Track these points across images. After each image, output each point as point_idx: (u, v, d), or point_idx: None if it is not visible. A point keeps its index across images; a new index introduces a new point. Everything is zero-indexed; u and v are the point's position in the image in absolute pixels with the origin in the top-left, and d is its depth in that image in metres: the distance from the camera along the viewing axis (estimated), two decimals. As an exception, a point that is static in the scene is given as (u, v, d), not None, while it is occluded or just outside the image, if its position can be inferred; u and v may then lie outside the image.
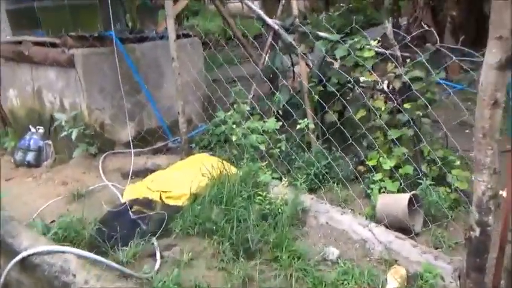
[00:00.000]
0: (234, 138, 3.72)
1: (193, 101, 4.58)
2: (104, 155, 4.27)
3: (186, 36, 4.91)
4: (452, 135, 3.21)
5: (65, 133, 4.15)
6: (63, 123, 4.12)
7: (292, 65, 4.32)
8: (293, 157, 3.59)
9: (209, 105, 4.65)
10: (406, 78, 3.11)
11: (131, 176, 4.01)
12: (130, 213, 3.10)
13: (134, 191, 3.49)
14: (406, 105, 3.13)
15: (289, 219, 2.93)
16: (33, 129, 4.74)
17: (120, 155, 4.35)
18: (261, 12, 4.12)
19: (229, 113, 3.95)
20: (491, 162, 1.91)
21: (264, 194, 3.07)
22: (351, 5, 9.81)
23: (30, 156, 4.63)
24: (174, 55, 3.89)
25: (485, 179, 1.93)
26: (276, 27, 3.90)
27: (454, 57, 3.05)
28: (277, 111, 4.04)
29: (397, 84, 3.17)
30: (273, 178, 3.42)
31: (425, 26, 3.85)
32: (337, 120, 3.55)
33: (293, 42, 3.80)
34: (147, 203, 3.26)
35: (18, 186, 3.98)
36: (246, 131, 3.69)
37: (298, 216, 2.99)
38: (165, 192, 3.36)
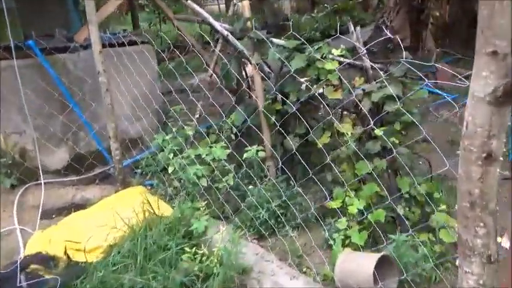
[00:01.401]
0: (170, 169, 3.02)
1: (144, 117, 3.87)
2: (24, 187, 3.56)
3: (134, 43, 4.20)
4: (440, 157, 2.51)
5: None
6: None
7: (247, 76, 3.61)
8: (242, 193, 2.89)
9: (161, 123, 3.94)
10: (377, 96, 2.41)
11: (53, 215, 3.32)
12: (20, 277, 2.39)
13: (41, 240, 2.77)
14: (379, 131, 2.42)
15: (223, 285, 2.23)
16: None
17: (46, 186, 3.63)
18: (207, 15, 3.42)
19: (168, 137, 3.24)
20: (484, 245, 1.22)
21: (194, 249, 2.36)
22: (336, 6, 9.08)
23: None
24: (100, 68, 3.18)
25: (475, 270, 1.24)
26: (225, 32, 3.20)
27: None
28: (233, 133, 3.33)
29: (367, 104, 2.46)
30: (214, 221, 2.72)
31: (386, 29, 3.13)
32: (293, 147, 2.84)
33: (245, 51, 3.10)
34: (48, 260, 2.55)
35: None
36: (185, 160, 2.98)
37: (235, 280, 2.28)
38: (76, 243, 2.66)
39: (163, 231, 2.51)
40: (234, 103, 3.39)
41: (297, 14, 10.23)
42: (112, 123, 3.29)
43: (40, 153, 3.65)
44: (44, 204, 3.40)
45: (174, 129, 3.19)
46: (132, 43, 4.03)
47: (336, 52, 2.67)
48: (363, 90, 2.50)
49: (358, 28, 2.76)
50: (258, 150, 2.84)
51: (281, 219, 2.69)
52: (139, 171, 3.78)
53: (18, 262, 2.49)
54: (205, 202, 2.78)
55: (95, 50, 3.14)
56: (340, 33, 2.36)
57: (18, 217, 3.25)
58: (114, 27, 7.74)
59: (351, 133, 2.53)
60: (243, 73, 3.69)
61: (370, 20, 8.35)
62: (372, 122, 2.26)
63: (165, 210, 2.81)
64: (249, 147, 2.89)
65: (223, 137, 3.09)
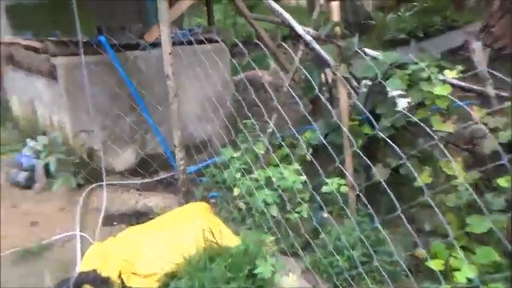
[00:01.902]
0: (235, 192, 2.68)
1: (215, 119, 3.54)
2: (89, 188, 3.44)
3: (209, 41, 3.90)
4: None
5: (42, 162, 3.40)
6: (39, 148, 3.35)
7: (330, 90, 3.13)
8: (317, 228, 2.46)
9: (234, 128, 3.61)
10: (506, 136, 1.84)
11: (114, 222, 3.15)
12: (72, 300, 2.21)
13: (98, 254, 2.58)
14: (504, 181, 1.86)
15: None
16: (30, 143, 4.05)
17: (110, 188, 3.49)
18: (288, 17, 2.98)
19: (237, 154, 2.89)
20: None
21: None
22: (425, 4, 8.07)
23: (21, 177, 3.93)
24: (169, 71, 2.90)
25: None
26: (308, 37, 2.75)
27: None
28: (307, 152, 2.90)
29: (491, 144, 1.91)
30: (282, 259, 2.34)
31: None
32: (381, 178, 2.34)
33: (329, 61, 2.64)
34: (102, 283, 2.35)
35: None
36: (254, 183, 2.61)
37: None
38: (131, 265, 2.42)
39: (225, 268, 2.18)
40: (309, 116, 2.94)
41: (381, 12, 9.32)
42: (178, 130, 3.01)
43: (107, 154, 3.51)
44: (107, 208, 3.24)
45: (242, 146, 2.82)
46: (205, 41, 3.73)
47: (449, 74, 2.11)
48: (485, 125, 1.93)
49: (479, 44, 2.17)
50: (340, 184, 2.39)
51: (361, 268, 2.23)
52: (204, 179, 3.52)
53: (71, 281, 2.30)
54: (274, 237, 2.39)
55: (165, 52, 2.86)
56: (429, 36, 1.82)
57: (81, 220, 3.12)
58: (190, 20, 7.57)
59: (463, 177, 1.99)
60: (323, 83, 3.23)
61: (465, 22, 7.29)
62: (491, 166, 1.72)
63: (229, 239, 2.47)
64: (327, 179, 2.43)
65: (292, 156, 2.66)
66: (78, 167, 3.41)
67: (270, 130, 3.10)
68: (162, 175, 3.67)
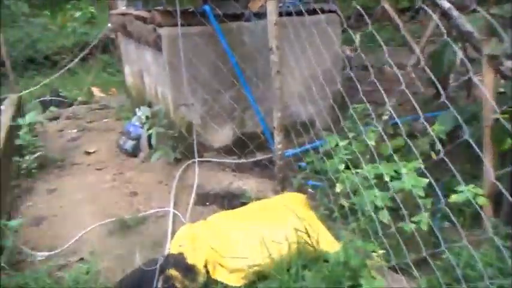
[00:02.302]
0: (338, 188, 2.28)
1: (321, 99, 3.12)
2: (186, 163, 3.36)
3: (321, 11, 3.45)
4: None
5: (145, 133, 3.40)
6: (143, 119, 3.34)
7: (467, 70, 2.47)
8: (437, 243, 1.96)
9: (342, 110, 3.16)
10: None
11: (207, 202, 3.01)
12: (157, 282, 2.10)
13: (187, 236, 2.45)
14: None
15: None
16: (138, 113, 4.15)
17: (206, 166, 3.37)
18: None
19: (344, 142, 2.46)
20: None
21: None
22: None
23: (128, 145, 4.07)
24: (274, 44, 2.56)
25: None
26: (447, 4, 2.15)
27: None
28: (431, 148, 2.36)
29: None
30: (390, 277, 1.91)
31: None
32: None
33: (474, 34, 2.03)
34: (188, 270, 2.20)
35: (88, 188, 3.37)
36: (361, 180, 2.19)
37: None
38: (219, 256, 2.23)
39: (320, 279, 1.84)
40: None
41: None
42: (278, 112, 2.70)
43: (205, 130, 3.38)
44: (202, 186, 3.12)
45: (351, 134, 2.39)
46: (318, 11, 3.29)
47: None
48: None
49: None
50: (476, 194, 1.84)
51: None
52: (303, 165, 3.19)
53: (159, 263, 2.20)
54: (382, 248, 1.96)
55: (270, 22, 2.52)
56: None
57: (176, 196, 3.05)
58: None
59: None
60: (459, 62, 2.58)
61: None
62: None
63: (327, 243, 2.12)
64: (459, 185, 1.89)
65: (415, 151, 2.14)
66: (177, 141, 3.34)
67: (386, 117, 2.59)
68: (259, 156, 3.42)
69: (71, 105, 6.04)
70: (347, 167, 2.32)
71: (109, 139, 4.62)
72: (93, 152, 4.25)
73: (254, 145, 3.38)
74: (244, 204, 2.89)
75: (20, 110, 4.94)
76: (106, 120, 5.44)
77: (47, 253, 2.44)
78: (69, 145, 4.54)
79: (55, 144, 4.59)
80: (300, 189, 2.92)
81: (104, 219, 2.78)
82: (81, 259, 2.38)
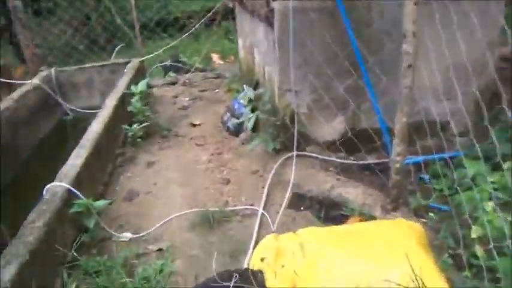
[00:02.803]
0: (474, 232, 1.66)
1: (463, 96, 2.36)
2: (285, 156, 2.98)
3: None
4: None
5: (248, 115, 3.09)
6: (244, 102, 3.02)
7: None
8: None
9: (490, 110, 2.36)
10: None
11: (301, 207, 2.61)
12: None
13: (271, 249, 2.11)
14: None
15: None
16: (246, 89, 3.89)
17: (307, 162, 2.94)
18: None
19: (491, 177, 1.78)
20: None
21: None
22: None
23: (231, 123, 3.87)
24: (409, 30, 1.94)
25: None
26: None
27: None
28: None
29: None
30: None
31: None
32: None
33: None
34: (263, 296, 1.87)
35: (184, 166, 3.24)
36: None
37: None
38: (303, 284, 1.84)
39: None
40: None
41: None
42: (404, 116, 2.10)
43: (311, 121, 2.94)
44: (298, 185, 2.73)
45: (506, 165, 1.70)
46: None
47: None
48: None
49: None
50: None
51: None
52: (425, 178, 2.57)
53: (233, 280, 1.92)
54: None
55: (408, 2, 1.90)
56: None
57: (268, 192, 2.72)
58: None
59: None
60: None
61: None
62: None
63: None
64: None
65: None
66: (279, 130, 2.97)
67: None
68: (370, 160, 2.86)
69: (188, 71, 6.11)
70: (494, 206, 1.67)
71: (216, 112, 4.50)
72: (198, 125, 4.16)
73: (366, 145, 2.82)
74: (344, 217, 2.43)
75: (142, 74, 5.12)
76: (217, 90, 5.35)
77: (130, 235, 2.36)
78: (178, 114, 4.55)
79: (167, 111, 4.65)
80: (418, 212, 2.33)
81: (191, 206, 2.61)
82: (160, 250, 2.24)
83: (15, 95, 4.03)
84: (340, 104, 2.87)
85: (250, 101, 3.02)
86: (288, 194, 2.61)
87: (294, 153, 2.83)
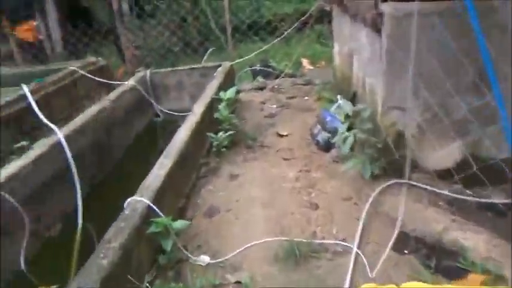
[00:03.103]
0: None
1: None
2: (386, 184, 2.55)
3: None
4: None
5: (342, 130, 2.72)
6: (342, 111, 2.66)
7: None
8: None
9: None
10: None
11: (404, 251, 2.17)
12: None
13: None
14: None
15: None
16: (340, 100, 3.52)
17: (412, 193, 2.47)
18: None
19: None
20: None
21: None
22: None
23: (321, 137, 3.52)
24: None
25: None
26: None
27: None
28: None
29: None
30: None
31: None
32: None
33: None
34: None
35: (269, 183, 2.96)
36: None
37: None
38: None
39: None
40: None
41: None
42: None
43: (420, 143, 2.48)
44: (403, 224, 2.29)
45: None
46: None
47: None
48: None
49: None
50: None
51: None
52: None
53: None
54: None
55: None
56: None
57: (368, 226, 2.33)
58: None
59: None
60: None
61: None
62: None
63: None
64: None
65: None
66: (379, 153, 2.55)
67: None
68: (495, 197, 2.31)
69: (277, 76, 5.89)
70: None
71: (304, 121, 4.19)
72: (285, 135, 3.89)
73: (490, 179, 2.28)
74: (462, 271, 1.95)
75: (231, 78, 5.01)
76: (307, 98, 5.03)
77: (207, 259, 2.16)
78: (265, 122, 4.33)
79: (253, 118, 4.46)
80: None
81: (274, 233, 2.33)
82: (238, 282, 2.00)
83: (112, 95, 4.15)
84: (460, 125, 2.37)
85: (347, 116, 2.65)
86: (395, 235, 2.18)
87: (405, 181, 2.39)
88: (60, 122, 3.99)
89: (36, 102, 3.67)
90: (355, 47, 3.12)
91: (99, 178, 3.47)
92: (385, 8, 2.28)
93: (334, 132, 3.43)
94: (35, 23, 6.53)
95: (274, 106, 4.85)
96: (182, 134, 2.78)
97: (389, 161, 2.52)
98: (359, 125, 2.60)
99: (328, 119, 3.48)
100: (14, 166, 2.56)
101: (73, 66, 4.63)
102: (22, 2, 6.94)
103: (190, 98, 5.06)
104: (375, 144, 2.54)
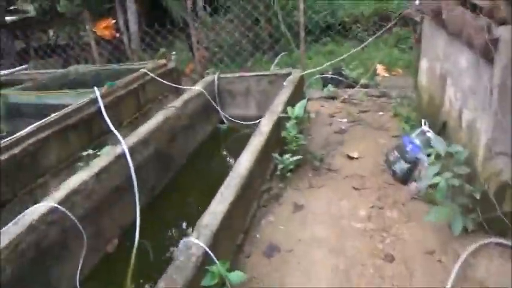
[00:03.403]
0: None
1: None
2: (481, 242, 2.11)
3: None
4: None
5: (430, 167, 2.31)
6: (427, 139, 2.25)
7: None
8: None
9: None
10: None
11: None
12: None
13: None
14: None
15: None
16: (425, 127, 3.07)
17: (505, 254, 2.03)
18: None
19: None
20: None
21: None
22: None
23: (399, 166, 3.11)
24: None
25: None
26: None
27: None
28: None
29: None
30: None
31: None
32: None
33: None
34: None
35: (336, 221, 2.62)
36: None
37: None
38: None
39: None
40: None
41: None
42: None
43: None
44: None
45: None
46: None
47: None
48: None
49: None
50: None
51: None
52: None
53: None
54: None
55: None
56: None
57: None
58: None
59: None
60: None
61: None
62: None
63: None
64: None
65: None
66: (475, 204, 2.12)
67: None
68: None
69: (349, 86, 5.46)
70: None
71: (378, 142, 3.79)
72: (356, 158, 3.52)
73: None
74: None
75: (301, 88, 4.69)
76: (381, 113, 4.58)
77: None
78: (334, 139, 3.98)
79: (321, 133, 4.13)
80: None
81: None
82: None
83: (178, 101, 4.05)
84: None
85: (438, 157, 2.23)
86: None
87: (508, 243, 1.95)
88: (128, 126, 4.00)
89: (106, 106, 3.67)
90: (450, 70, 2.66)
91: (159, 188, 3.38)
92: (502, 32, 1.84)
93: (414, 162, 3.02)
94: (113, 21, 6.73)
95: (345, 120, 4.47)
96: (246, 160, 2.55)
97: (487, 215, 2.08)
98: (452, 167, 2.18)
99: (409, 147, 3.06)
100: (76, 179, 2.51)
101: (144, 68, 4.62)
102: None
103: (257, 106, 4.85)
104: (471, 192, 2.11)
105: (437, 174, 2.17)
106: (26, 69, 4.95)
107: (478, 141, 2.12)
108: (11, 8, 13.22)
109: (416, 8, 3.52)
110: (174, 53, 5.78)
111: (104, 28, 6.43)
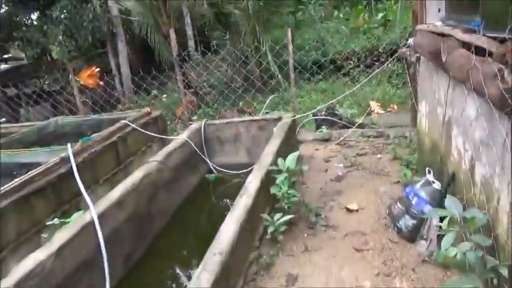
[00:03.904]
0: None
1: None
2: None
3: None
4: None
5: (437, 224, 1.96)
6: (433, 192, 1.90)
7: None
8: None
9: None
10: None
11: None
12: None
13: None
14: None
15: None
16: (429, 176, 2.73)
17: None
18: None
19: None
20: None
21: None
22: None
23: (403, 223, 2.75)
24: None
25: None
26: None
27: None
28: None
29: None
30: None
31: None
32: None
33: None
34: None
35: None
36: None
37: None
38: None
39: None
40: None
41: None
42: None
43: None
44: None
45: None
46: None
47: None
48: None
49: None
50: None
51: None
52: None
53: None
54: None
55: None
56: None
57: None
58: None
59: None
60: None
61: None
62: None
63: None
64: None
65: None
66: (498, 275, 1.75)
67: None
68: None
69: (344, 126, 5.18)
70: None
71: (378, 190, 3.46)
72: (355, 211, 3.17)
73: None
74: None
75: (293, 133, 4.39)
76: (379, 156, 4.27)
77: None
78: (330, 188, 3.65)
79: (316, 181, 3.80)
80: None
81: None
82: None
83: (161, 154, 3.73)
84: None
85: (452, 221, 1.89)
86: None
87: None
88: (104, 185, 3.65)
89: (80, 164, 3.33)
90: (456, 117, 2.36)
91: (136, 256, 2.98)
92: (520, 83, 1.54)
93: (421, 218, 2.66)
94: (97, 69, 6.58)
95: (341, 165, 4.14)
96: (229, 230, 2.18)
97: (517, 293, 1.71)
98: (469, 230, 1.82)
99: (414, 200, 2.72)
100: (30, 261, 2.13)
101: (126, 119, 4.33)
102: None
103: (247, 153, 4.54)
104: (495, 268, 1.74)
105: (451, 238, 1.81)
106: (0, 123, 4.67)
107: (499, 202, 1.78)
108: (5, 56, 13.19)
109: (412, 47, 3.29)
110: (164, 96, 5.55)
111: (87, 77, 6.26)
